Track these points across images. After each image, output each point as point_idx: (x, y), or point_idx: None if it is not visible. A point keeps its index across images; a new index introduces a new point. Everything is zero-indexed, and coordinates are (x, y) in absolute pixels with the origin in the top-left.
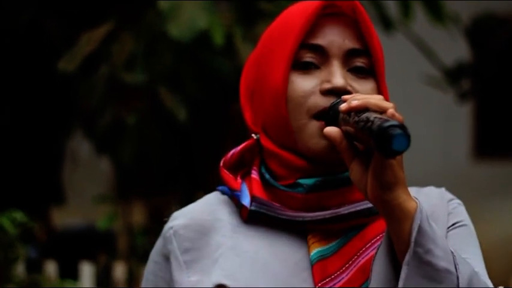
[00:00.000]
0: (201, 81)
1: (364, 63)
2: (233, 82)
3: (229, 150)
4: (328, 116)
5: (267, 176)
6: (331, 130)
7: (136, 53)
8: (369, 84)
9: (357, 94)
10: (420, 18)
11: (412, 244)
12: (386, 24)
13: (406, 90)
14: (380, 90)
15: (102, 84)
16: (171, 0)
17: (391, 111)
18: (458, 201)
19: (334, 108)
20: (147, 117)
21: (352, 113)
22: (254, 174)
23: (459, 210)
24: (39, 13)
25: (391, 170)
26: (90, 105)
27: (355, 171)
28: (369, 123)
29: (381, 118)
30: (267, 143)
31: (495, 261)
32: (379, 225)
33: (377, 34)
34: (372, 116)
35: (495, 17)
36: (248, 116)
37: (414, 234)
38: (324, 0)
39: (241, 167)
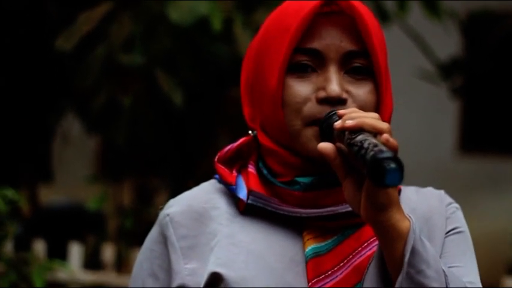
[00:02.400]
0: (198, 66)
1: (363, 64)
2: (230, 68)
3: (223, 137)
4: (322, 127)
5: (265, 171)
6: (326, 146)
7: (134, 35)
8: (366, 87)
9: (353, 110)
10: (416, 12)
11: (405, 265)
12: (383, 16)
13: (395, 82)
14: (380, 89)
15: (98, 65)
16: None
17: (385, 136)
18: (456, 205)
19: (328, 122)
20: (143, 99)
21: (347, 132)
22: (251, 168)
23: (457, 215)
24: None
25: (384, 191)
26: (85, 85)
27: (348, 189)
28: (363, 151)
29: (375, 146)
30: (264, 139)
31: (480, 257)
32: None
33: (380, 30)
34: (366, 141)
35: (492, 14)
36: (247, 111)
37: (407, 256)
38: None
39: (236, 161)
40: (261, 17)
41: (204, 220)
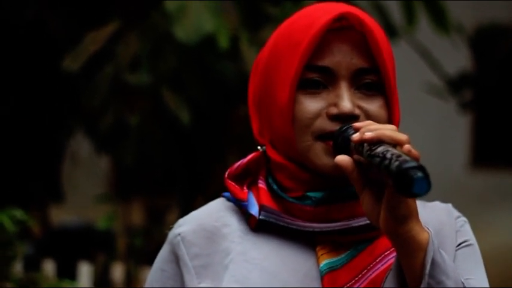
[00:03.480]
0: (205, 84)
1: (373, 80)
2: (237, 86)
3: (231, 155)
4: (337, 141)
5: (275, 186)
6: (343, 159)
7: (141, 54)
8: (377, 102)
9: (369, 123)
10: (424, 27)
11: (426, 277)
12: (391, 31)
13: (406, 97)
14: (390, 105)
15: (106, 84)
16: (177, 1)
17: (407, 147)
18: (464, 218)
19: (343, 135)
20: (150, 118)
21: (365, 144)
22: (261, 184)
23: (466, 229)
24: (44, 11)
25: (405, 203)
26: (93, 104)
27: (366, 201)
28: (386, 161)
29: (398, 156)
30: (274, 155)
31: (492, 271)
32: (388, 240)
33: (389, 45)
34: (389, 152)
35: (499, 27)
36: (255, 126)
37: (428, 267)
38: (332, 14)
39: (246, 178)
40: (267, 34)
41: (216, 238)
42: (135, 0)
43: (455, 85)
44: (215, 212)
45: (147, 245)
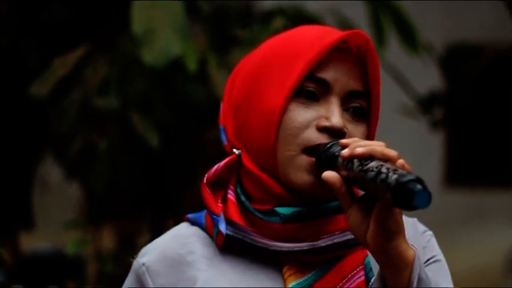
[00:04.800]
0: (174, 108)
1: (362, 105)
2: (206, 109)
3: (202, 178)
4: (321, 157)
5: (243, 198)
6: (331, 175)
7: (109, 78)
8: (361, 128)
9: (357, 139)
10: (395, 47)
11: None
12: None
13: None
14: (369, 135)
15: (74, 109)
16: (145, 24)
17: (401, 161)
18: (430, 232)
19: (329, 151)
20: (119, 142)
21: (355, 160)
22: (231, 195)
23: (432, 243)
24: (13, 36)
25: (395, 218)
26: (61, 130)
27: (353, 217)
28: (383, 175)
29: (395, 170)
30: (248, 162)
31: None
32: (356, 258)
33: (380, 78)
34: (383, 166)
35: (469, 46)
36: (230, 128)
37: (415, 284)
38: (341, 34)
39: (220, 187)
40: (236, 57)
41: (181, 267)
42: (104, 24)
43: (426, 104)
44: (179, 239)
45: (117, 270)
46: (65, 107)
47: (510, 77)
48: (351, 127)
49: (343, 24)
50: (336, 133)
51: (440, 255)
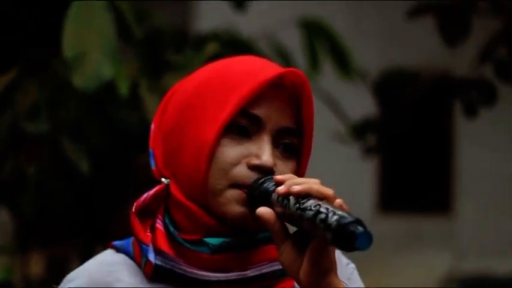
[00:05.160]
0: (105, 133)
1: (293, 142)
2: (138, 134)
3: (133, 204)
4: (254, 193)
5: (171, 228)
6: (266, 212)
7: (39, 102)
8: (291, 165)
9: (292, 176)
10: (330, 73)
11: None
12: None
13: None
14: (299, 172)
15: (3, 133)
16: (76, 48)
17: (339, 201)
18: (353, 265)
19: (263, 186)
20: (49, 168)
21: (292, 198)
22: (159, 225)
23: (355, 276)
24: None
25: (328, 256)
26: None
27: (286, 253)
28: (322, 215)
29: (334, 211)
30: (176, 191)
31: None
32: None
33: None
34: (322, 206)
35: (404, 72)
36: (159, 156)
37: None
38: (276, 72)
39: (149, 216)
40: (168, 83)
41: None
42: (36, 47)
43: (359, 131)
44: (106, 266)
45: None
46: None
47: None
48: (280, 164)
49: (277, 49)
50: (266, 171)
51: (362, 287)
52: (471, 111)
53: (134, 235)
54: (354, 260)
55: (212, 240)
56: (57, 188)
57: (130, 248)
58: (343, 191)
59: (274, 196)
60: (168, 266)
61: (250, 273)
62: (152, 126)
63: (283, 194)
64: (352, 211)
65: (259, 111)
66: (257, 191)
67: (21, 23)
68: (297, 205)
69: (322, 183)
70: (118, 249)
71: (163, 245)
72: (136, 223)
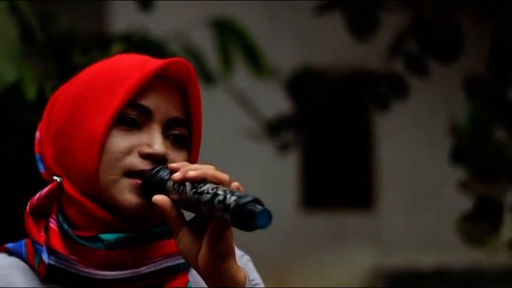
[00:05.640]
0: (12, 136)
1: (182, 133)
2: None
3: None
4: (149, 182)
5: (65, 226)
6: (161, 199)
7: None
8: (182, 155)
9: (187, 163)
10: (243, 72)
11: None
12: (207, 78)
13: (230, 145)
14: (191, 162)
15: None
16: None
17: (236, 184)
18: (247, 257)
19: (157, 175)
20: None
21: (188, 184)
22: (53, 224)
23: (251, 267)
24: None
25: (226, 240)
26: None
27: (184, 240)
28: (220, 197)
29: (232, 192)
30: (69, 188)
31: None
32: (178, 283)
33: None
34: (219, 188)
35: (312, 70)
36: (49, 156)
37: None
38: (162, 62)
39: (43, 215)
40: None
41: None
42: None
43: (273, 128)
44: None
45: None
46: None
47: (356, 99)
48: (172, 153)
49: (189, 49)
50: (159, 160)
51: (259, 279)
52: (383, 105)
53: (28, 235)
54: (275, 259)
55: (107, 236)
56: None
57: (23, 250)
58: (264, 189)
59: (169, 184)
60: (62, 266)
61: (144, 269)
62: (37, 134)
63: (179, 181)
64: (275, 208)
65: (148, 102)
66: (152, 179)
67: None
68: (194, 190)
69: (244, 182)
70: (10, 252)
71: (57, 244)
72: (30, 223)
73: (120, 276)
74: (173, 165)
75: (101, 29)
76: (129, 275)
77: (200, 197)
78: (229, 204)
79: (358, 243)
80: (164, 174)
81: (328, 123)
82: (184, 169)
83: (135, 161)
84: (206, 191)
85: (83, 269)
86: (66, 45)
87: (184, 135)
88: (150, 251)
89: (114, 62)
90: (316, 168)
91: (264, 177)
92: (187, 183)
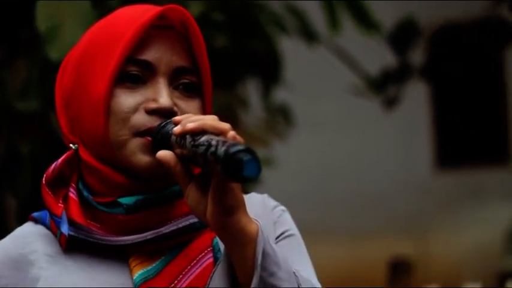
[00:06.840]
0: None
1: (191, 81)
2: None
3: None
4: (156, 138)
5: (85, 193)
6: (165, 154)
7: (30, 81)
8: (195, 103)
9: (189, 115)
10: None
11: (258, 268)
12: (310, 36)
13: (363, 105)
14: (205, 109)
15: None
16: (49, 21)
17: (232, 133)
18: (282, 207)
19: (163, 130)
20: (41, 145)
21: (188, 136)
22: (72, 193)
23: (285, 218)
24: None
25: (232, 193)
26: None
27: (191, 196)
28: (212, 148)
29: (224, 142)
30: (85, 155)
31: (466, 271)
32: (203, 241)
33: (206, 52)
34: (214, 139)
35: (416, 23)
36: (64, 123)
37: (259, 258)
38: (156, 11)
39: (61, 184)
40: None
41: (24, 267)
42: (24, 27)
43: (379, 83)
44: (21, 239)
45: None
46: None
47: (486, 48)
48: (183, 104)
49: (292, 8)
50: (166, 114)
51: (293, 230)
52: None
53: (46, 207)
54: (412, 220)
55: (126, 200)
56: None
57: (47, 219)
58: (400, 150)
59: (173, 138)
60: (81, 236)
61: (165, 229)
62: (55, 98)
63: (179, 134)
64: (411, 167)
65: (148, 56)
66: (159, 135)
67: (9, 2)
68: (192, 142)
69: (377, 145)
70: (36, 221)
71: (76, 214)
72: (47, 195)
73: (141, 239)
74: (177, 118)
75: None
76: (150, 237)
77: (196, 149)
78: (219, 155)
79: (497, 200)
80: (169, 128)
81: (458, 76)
82: (184, 121)
83: (142, 119)
84: (202, 143)
85: (102, 237)
86: None
87: (194, 83)
88: (171, 210)
89: (112, 18)
90: (450, 126)
91: (398, 137)
92: (187, 136)
